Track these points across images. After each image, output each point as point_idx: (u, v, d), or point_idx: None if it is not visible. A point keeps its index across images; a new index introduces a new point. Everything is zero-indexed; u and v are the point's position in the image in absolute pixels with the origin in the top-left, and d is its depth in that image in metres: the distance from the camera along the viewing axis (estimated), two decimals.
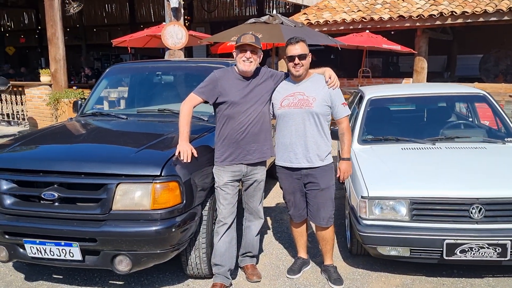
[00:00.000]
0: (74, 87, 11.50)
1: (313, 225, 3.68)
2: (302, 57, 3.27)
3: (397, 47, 10.28)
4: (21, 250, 3.11)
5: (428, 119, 4.73)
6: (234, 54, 3.35)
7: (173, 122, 3.89)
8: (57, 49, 10.40)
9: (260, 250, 4.12)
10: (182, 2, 9.04)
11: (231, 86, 3.31)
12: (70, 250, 2.98)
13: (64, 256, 3.01)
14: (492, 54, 12.40)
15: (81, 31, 22.36)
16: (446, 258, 3.19)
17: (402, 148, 4.03)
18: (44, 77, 10.79)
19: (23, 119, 11.36)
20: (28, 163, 3.14)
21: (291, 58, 3.29)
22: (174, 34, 8.59)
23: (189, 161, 3.12)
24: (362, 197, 3.34)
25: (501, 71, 12.18)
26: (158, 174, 2.94)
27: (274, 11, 9.09)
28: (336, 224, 4.66)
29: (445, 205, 3.22)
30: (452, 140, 4.20)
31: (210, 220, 3.41)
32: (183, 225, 3.03)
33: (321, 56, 15.70)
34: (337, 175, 3.36)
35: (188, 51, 17.21)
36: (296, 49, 3.27)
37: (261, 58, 3.41)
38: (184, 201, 3.04)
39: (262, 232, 4.48)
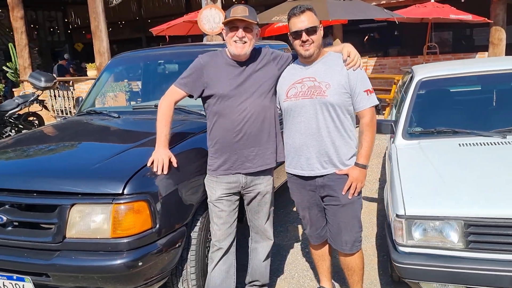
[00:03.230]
0: (126, 80, 11.32)
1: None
2: (311, 31, 2.47)
3: (467, 17, 8.91)
4: None
5: (498, 104, 3.67)
6: (224, 33, 2.62)
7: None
8: (100, 42, 10.21)
9: (280, 271, 3.40)
10: None
11: (220, 75, 2.59)
12: (23, 285, 2.43)
13: None
14: None
15: (141, 23, 22.48)
16: None
17: (459, 144, 3.08)
18: (91, 71, 10.68)
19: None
20: None
21: (296, 34, 2.49)
22: (211, 18, 7.95)
23: (165, 172, 2.45)
24: (397, 215, 2.49)
25: None
26: (120, 192, 2.29)
27: None
28: (380, 236, 3.82)
29: None
30: None
31: (202, 244, 2.73)
32: (159, 254, 2.39)
33: (383, 33, 14.40)
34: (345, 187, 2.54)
35: None
36: (302, 21, 2.47)
37: (258, 36, 2.64)
38: (158, 225, 2.38)
39: (286, 247, 3.77)
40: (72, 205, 2.32)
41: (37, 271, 2.36)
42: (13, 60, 13.14)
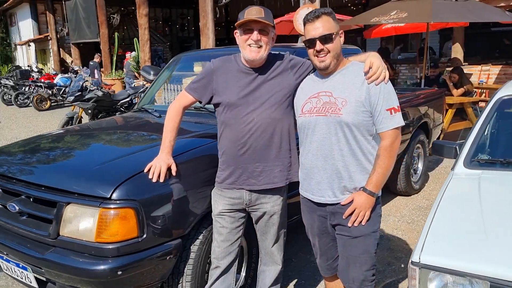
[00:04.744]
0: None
1: None
2: (326, 39, 2.15)
3: None
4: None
5: None
6: (237, 36, 2.42)
7: (205, 123, 3.16)
8: (207, 40, 10.54)
9: None
10: None
11: (228, 81, 2.41)
12: (27, 274, 2.53)
13: (25, 280, 2.58)
14: None
15: None
16: None
17: None
18: (197, 67, 11.09)
19: None
20: (6, 168, 2.78)
21: (310, 43, 2.19)
22: None
23: (161, 180, 2.35)
24: (412, 262, 2.07)
25: None
26: (108, 196, 2.24)
27: None
28: None
29: None
30: None
31: (202, 259, 2.58)
32: (143, 265, 2.30)
33: None
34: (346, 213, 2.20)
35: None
36: (316, 28, 2.16)
37: (274, 40, 2.40)
38: (145, 235, 2.29)
39: None
40: (68, 203, 2.33)
41: (32, 263, 2.43)
42: (136, 53, 14.27)
